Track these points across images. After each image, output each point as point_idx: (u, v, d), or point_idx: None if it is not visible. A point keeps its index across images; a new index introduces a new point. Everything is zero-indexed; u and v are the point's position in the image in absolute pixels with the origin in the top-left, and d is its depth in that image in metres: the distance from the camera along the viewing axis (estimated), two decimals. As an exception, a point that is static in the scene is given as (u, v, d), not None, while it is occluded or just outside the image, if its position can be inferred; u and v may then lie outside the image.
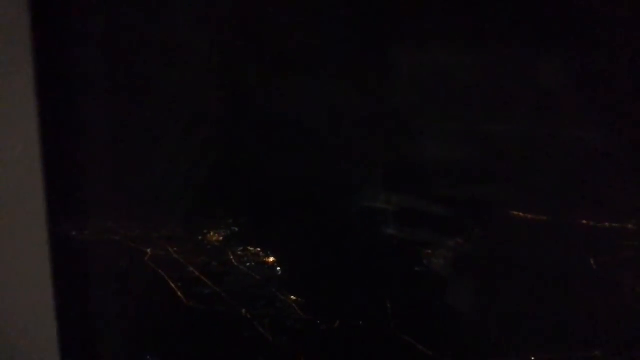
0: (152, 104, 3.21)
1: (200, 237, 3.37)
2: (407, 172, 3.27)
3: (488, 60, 3.03)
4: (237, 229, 3.42)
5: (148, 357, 2.64)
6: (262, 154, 3.36)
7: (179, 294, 2.90)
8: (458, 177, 3.20)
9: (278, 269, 3.14)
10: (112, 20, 2.99)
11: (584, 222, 3.06)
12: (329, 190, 3.32)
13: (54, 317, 2.26)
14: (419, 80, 3.14)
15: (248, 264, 3.18)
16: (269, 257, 3.23)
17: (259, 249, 3.28)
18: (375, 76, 3.21)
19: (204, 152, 3.35)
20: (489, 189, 3.13)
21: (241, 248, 3.29)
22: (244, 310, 2.82)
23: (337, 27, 3.18)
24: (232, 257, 3.23)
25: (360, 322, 2.73)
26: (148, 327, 2.61)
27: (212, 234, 3.39)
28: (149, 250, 3.20)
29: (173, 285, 2.94)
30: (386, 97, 3.24)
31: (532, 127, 3.05)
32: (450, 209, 3.20)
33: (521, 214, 3.19)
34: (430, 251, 3.13)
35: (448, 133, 3.14)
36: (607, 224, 3.04)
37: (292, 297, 2.91)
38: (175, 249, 3.25)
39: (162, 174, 3.31)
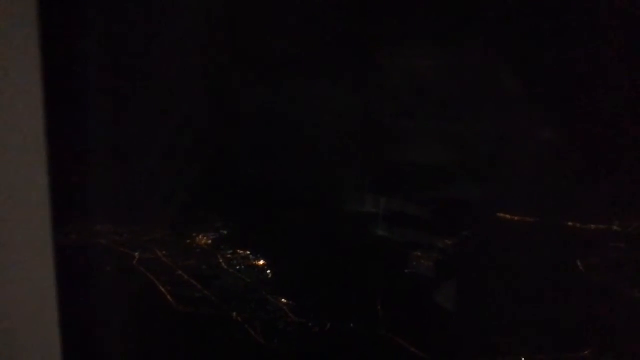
0: (142, 112, 3.19)
1: (189, 241, 3.36)
2: (394, 176, 3.29)
3: (473, 63, 3.07)
4: (225, 232, 3.42)
5: (139, 361, 2.62)
6: (250, 159, 3.36)
7: (169, 297, 2.88)
8: (444, 180, 3.23)
9: (268, 272, 3.14)
10: (115, 25, 2.97)
11: (570, 224, 3.10)
12: (317, 194, 3.33)
13: (56, 321, 2.23)
14: (404, 86, 3.17)
15: (238, 267, 3.17)
16: (258, 260, 3.23)
17: (248, 252, 3.27)
18: (362, 82, 3.23)
19: (191, 157, 3.33)
20: (475, 191, 3.16)
21: (230, 251, 3.28)
22: (234, 314, 2.81)
23: (323, 33, 3.20)
24: (221, 261, 3.22)
25: (352, 325, 2.73)
26: (138, 331, 2.58)
27: (200, 237, 3.37)
28: (137, 254, 3.17)
29: (162, 289, 2.92)
30: (372, 102, 3.26)
31: (516, 130, 3.09)
32: (438, 212, 3.23)
33: (508, 215, 3.22)
34: (419, 253, 3.14)
35: (433, 137, 3.17)
36: (592, 226, 3.08)
37: (283, 300, 2.90)
38: (164, 252, 3.23)
39: (150, 178, 3.29)
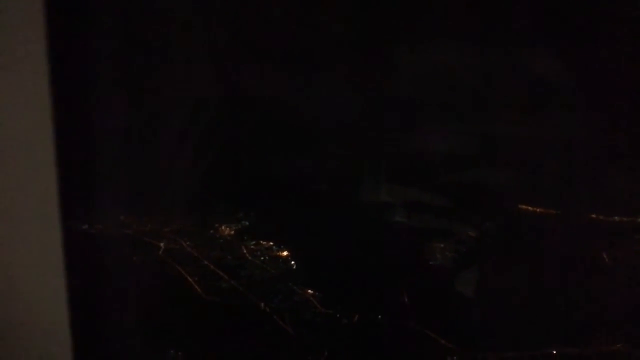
0: (162, 101, 3.19)
1: (211, 232, 3.36)
2: (415, 166, 3.28)
3: (498, 52, 3.05)
4: (247, 223, 3.42)
5: (171, 351, 2.64)
6: (267, 150, 3.36)
7: (197, 287, 2.89)
8: (466, 171, 3.22)
9: (292, 262, 3.14)
10: (124, 19, 2.96)
11: (593, 216, 3.09)
12: (339, 184, 3.33)
13: (66, 311, 2.25)
14: (425, 77, 3.15)
15: (262, 258, 3.18)
16: (281, 251, 3.23)
17: (271, 243, 3.28)
18: (379, 72, 3.22)
19: (209, 148, 3.33)
20: (496, 182, 3.15)
21: (253, 242, 3.29)
22: (262, 304, 2.82)
23: (341, 24, 3.18)
24: (245, 251, 3.22)
25: (379, 316, 2.74)
26: (168, 322, 2.60)
27: (223, 228, 3.38)
28: (162, 244, 3.18)
29: (190, 280, 2.93)
30: (395, 93, 3.24)
31: (539, 122, 3.07)
32: (460, 203, 3.22)
33: (530, 207, 3.21)
34: (442, 245, 3.14)
35: (455, 128, 3.16)
36: (616, 218, 3.07)
37: (309, 290, 2.91)
38: (188, 243, 3.24)
39: (170, 168, 3.29)
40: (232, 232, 3.36)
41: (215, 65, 3.28)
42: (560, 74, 2.99)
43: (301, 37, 3.20)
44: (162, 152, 3.26)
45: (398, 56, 3.15)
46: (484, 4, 3.04)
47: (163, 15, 3.05)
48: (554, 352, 2.63)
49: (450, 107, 3.17)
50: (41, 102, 2.09)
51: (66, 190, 2.29)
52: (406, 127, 3.16)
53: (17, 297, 2.24)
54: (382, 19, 3.11)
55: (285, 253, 3.21)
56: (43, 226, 2.22)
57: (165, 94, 3.20)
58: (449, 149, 3.13)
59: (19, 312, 2.26)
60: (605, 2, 2.94)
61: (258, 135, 3.38)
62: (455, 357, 2.66)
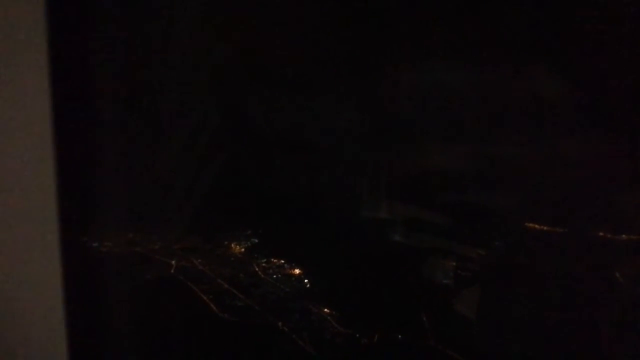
0: (170, 122, 3.18)
1: (222, 249, 3.33)
2: (423, 185, 3.28)
3: (503, 70, 3.07)
4: (256, 241, 3.38)
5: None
6: (272, 169, 3.35)
7: (212, 305, 2.85)
8: (473, 190, 3.22)
9: (305, 281, 3.11)
10: (126, 28, 2.94)
11: (601, 234, 3.10)
12: (345, 203, 3.31)
13: (63, 328, 2.20)
14: (429, 92, 3.17)
15: (275, 276, 3.15)
16: (293, 269, 3.20)
17: (282, 261, 3.24)
18: (381, 91, 3.23)
19: (215, 166, 3.31)
20: (503, 200, 3.16)
21: (265, 260, 3.26)
22: (280, 324, 2.78)
23: (344, 42, 3.20)
24: (257, 269, 3.19)
25: (399, 336, 2.71)
26: (186, 339, 2.55)
27: (233, 245, 3.34)
28: (173, 262, 3.14)
29: (205, 298, 2.89)
30: (401, 112, 3.26)
31: (544, 139, 3.10)
32: (468, 221, 3.22)
33: (536, 225, 3.22)
34: (454, 263, 3.13)
35: (459, 145, 3.17)
36: (624, 236, 3.09)
37: (326, 310, 2.88)
38: (199, 260, 3.20)
39: (177, 186, 3.26)
40: (243, 250, 3.33)
41: (222, 86, 3.27)
42: (568, 91, 3.02)
43: (303, 56, 3.21)
44: (170, 169, 3.23)
45: (402, 74, 3.18)
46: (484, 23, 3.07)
47: (168, 23, 3.03)
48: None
49: (459, 126, 3.19)
50: (42, 115, 2.06)
51: (70, 208, 2.25)
52: (424, 148, 3.17)
53: (19, 316, 2.19)
54: (382, 38, 3.14)
55: (297, 271, 3.18)
56: (46, 243, 2.17)
57: (175, 115, 3.18)
58: (462, 169, 3.14)
59: (19, 332, 2.21)
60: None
61: (261, 155, 3.36)
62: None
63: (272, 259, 3.25)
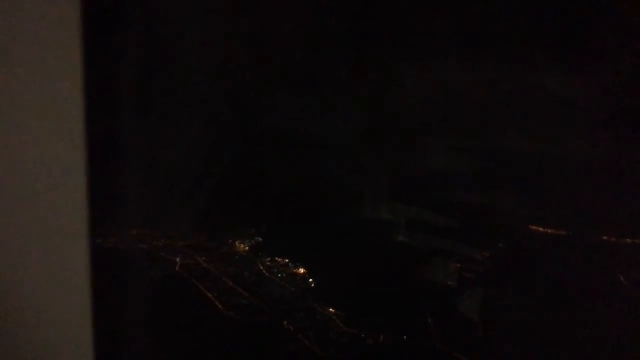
0: (178, 122, 3.18)
1: (226, 247, 3.32)
2: (428, 187, 3.28)
3: (509, 71, 3.07)
4: (260, 239, 3.38)
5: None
6: (277, 168, 3.35)
7: (217, 303, 2.85)
8: (477, 192, 3.22)
9: (310, 280, 3.11)
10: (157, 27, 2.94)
11: (605, 237, 3.11)
12: (351, 203, 3.31)
13: (90, 325, 2.19)
14: (434, 96, 3.17)
15: (279, 275, 3.15)
16: (297, 268, 3.20)
17: (286, 260, 3.24)
18: (385, 91, 3.23)
19: (220, 165, 3.31)
20: (506, 203, 3.16)
21: (269, 259, 3.26)
22: (285, 322, 2.78)
23: (347, 43, 3.20)
24: (261, 268, 3.19)
25: (405, 337, 2.71)
26: (191, 336, 2.55)
27: (237, 244, 3.34)
28: (178, 260, 3.14)
29: (210, 295, 2.89)
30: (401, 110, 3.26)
31: (548, 141, 3.10)
32: (473, 223, 3.22)
33: (540, 228, 3.22)
34: (458, 265, 3.13)
35: (463, 147, 3.17)
36: (628, 240, 3.09)
37: (331, 309, 2.88)
38: (204, 258, 3.19)
39: (182, 183, 3.26)
40: (247, 248, 3.32)
41: (230, 87, 3.28)
42: (575, 94, 3.03)
43: (310, 58, 3.22)
44: (176, 168, 3.23)
45: (405, 75, 3.18)
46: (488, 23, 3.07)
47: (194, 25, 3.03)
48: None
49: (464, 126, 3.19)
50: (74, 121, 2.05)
51: (99, 209, 2.25)
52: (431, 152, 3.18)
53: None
54: (384, 37, 3.14)
55: (301, 270, 3.18)
56: (68, 241, 2.17)
57: (183, 115, 3.18)
58: (470, 170, 3.14)
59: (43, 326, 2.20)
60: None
61: (265, 155, 3.37)
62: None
63: (277, 258, 3.25)
